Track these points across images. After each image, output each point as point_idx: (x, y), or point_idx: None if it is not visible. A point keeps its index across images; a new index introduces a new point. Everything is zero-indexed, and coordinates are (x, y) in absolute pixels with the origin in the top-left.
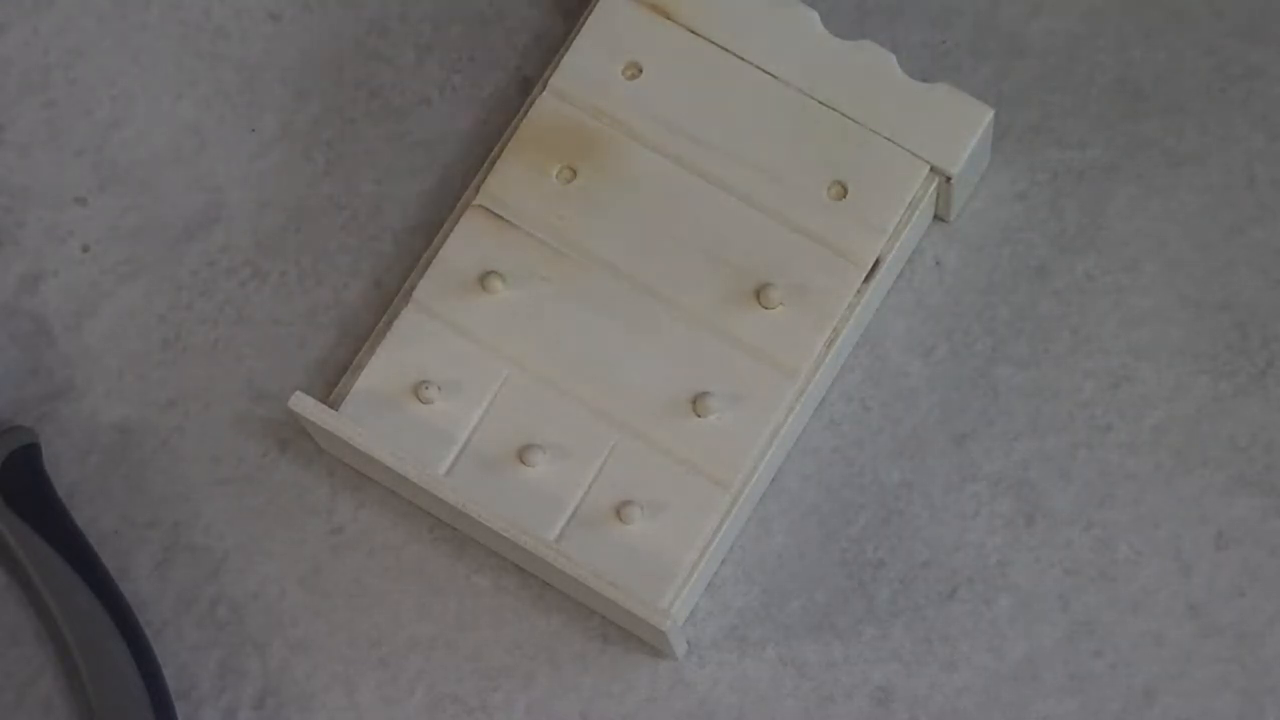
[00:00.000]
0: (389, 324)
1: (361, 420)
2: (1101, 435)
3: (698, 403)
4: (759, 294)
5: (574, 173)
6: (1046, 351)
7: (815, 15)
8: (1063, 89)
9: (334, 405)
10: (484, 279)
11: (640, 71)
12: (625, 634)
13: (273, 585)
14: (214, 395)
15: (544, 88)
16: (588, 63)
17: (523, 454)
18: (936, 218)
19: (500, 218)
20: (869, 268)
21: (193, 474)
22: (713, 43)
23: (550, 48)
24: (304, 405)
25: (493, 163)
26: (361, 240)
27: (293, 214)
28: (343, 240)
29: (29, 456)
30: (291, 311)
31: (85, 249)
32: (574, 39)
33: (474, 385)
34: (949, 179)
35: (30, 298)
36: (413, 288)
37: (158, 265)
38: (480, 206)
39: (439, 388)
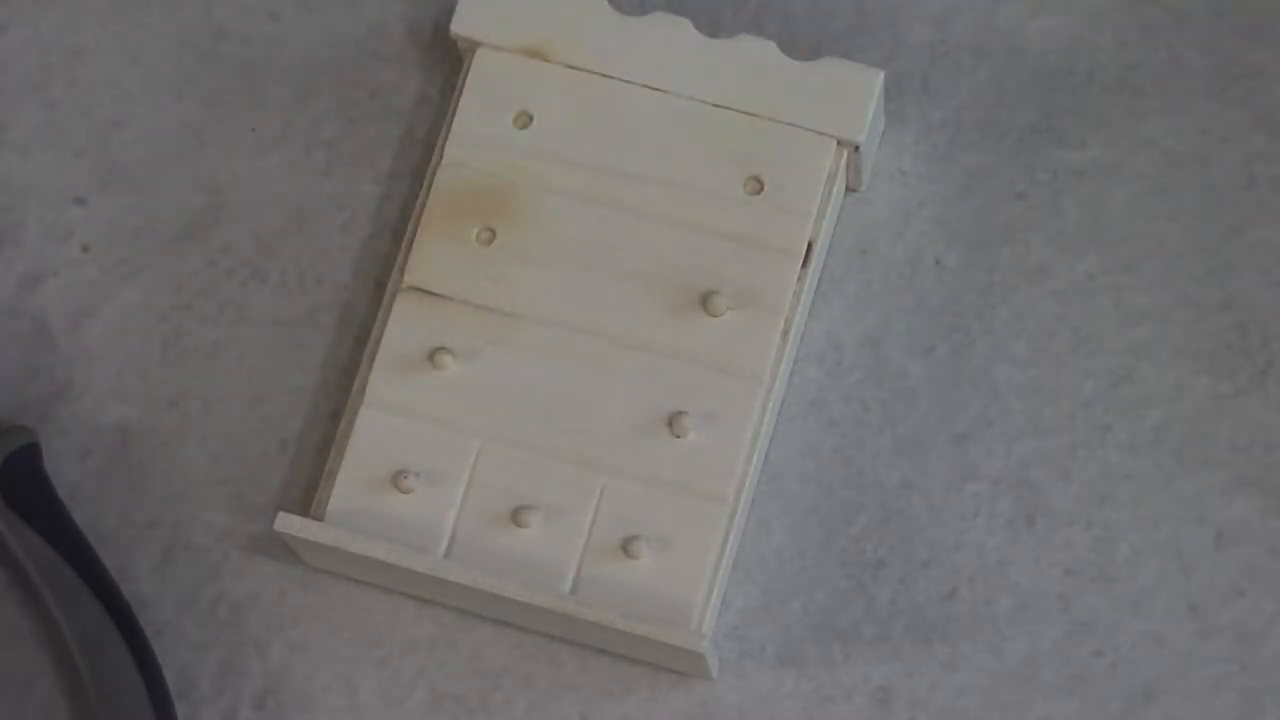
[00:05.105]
0: (350, 425)
1: (348, 525)
2: (1101, 435)
3: (673, 425)
4: (705, 305)
5: (492, 233)
6: (1046, 351)
7: (687, 22)
8: (1063, 89)
9: (316, 518)
10: (432, 357)
11: (531, 119)
12: None
13: (273, 585)
14: (214, 395)
15: (440, 158)
16: (476, 123)
17: (516, 518)
18: (848, 190)
19: (432, 294)
20: (803, 254)
21: (193, 474)
22: (594, 73)
23: None
24: (291, 524)
25: (410, 242)
26: (361, 240)
27: (293, 214)
28: (343, 240)
29: (29, 456)
30: (291, 311)
31: (85, 249)
32: (457, 103)
33: (450, 464)
34: (857, 148)
35: (30, 298)
36: (364, 384)
37: (158, 265)
38: (410, 288)
39: (416, 475)
